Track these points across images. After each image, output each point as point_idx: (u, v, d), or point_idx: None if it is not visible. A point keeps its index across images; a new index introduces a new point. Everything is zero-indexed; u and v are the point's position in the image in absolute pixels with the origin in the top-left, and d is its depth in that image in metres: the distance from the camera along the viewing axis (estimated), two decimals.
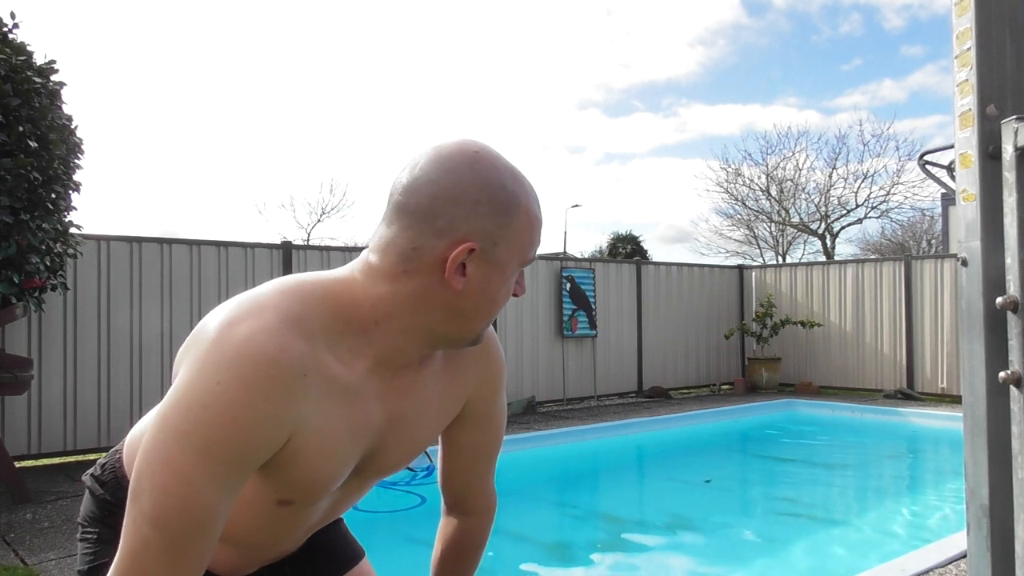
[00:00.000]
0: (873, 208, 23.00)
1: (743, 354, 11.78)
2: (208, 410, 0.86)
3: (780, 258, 25.40)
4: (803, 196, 23.85)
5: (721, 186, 24.20)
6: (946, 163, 2.09)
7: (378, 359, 1.00)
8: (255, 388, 0.87)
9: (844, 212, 23.60)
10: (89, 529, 1.19)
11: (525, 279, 1.07)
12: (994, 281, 1.19)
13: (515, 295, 1.05)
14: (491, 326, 1.19)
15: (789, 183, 23.64)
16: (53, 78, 4.70)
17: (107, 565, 0.92)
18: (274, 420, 0.89)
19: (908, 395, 9.79)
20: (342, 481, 1.06)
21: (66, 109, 4.91)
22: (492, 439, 1.26)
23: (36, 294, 4.81)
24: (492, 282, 0.98)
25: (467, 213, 0.94)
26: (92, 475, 1.21)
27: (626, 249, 23.81)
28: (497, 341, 1.23)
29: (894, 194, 22.41)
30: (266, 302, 0.94)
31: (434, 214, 0.94)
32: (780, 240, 25.71)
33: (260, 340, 0.88)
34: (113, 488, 1.16)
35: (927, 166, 2.32)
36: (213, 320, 0.92)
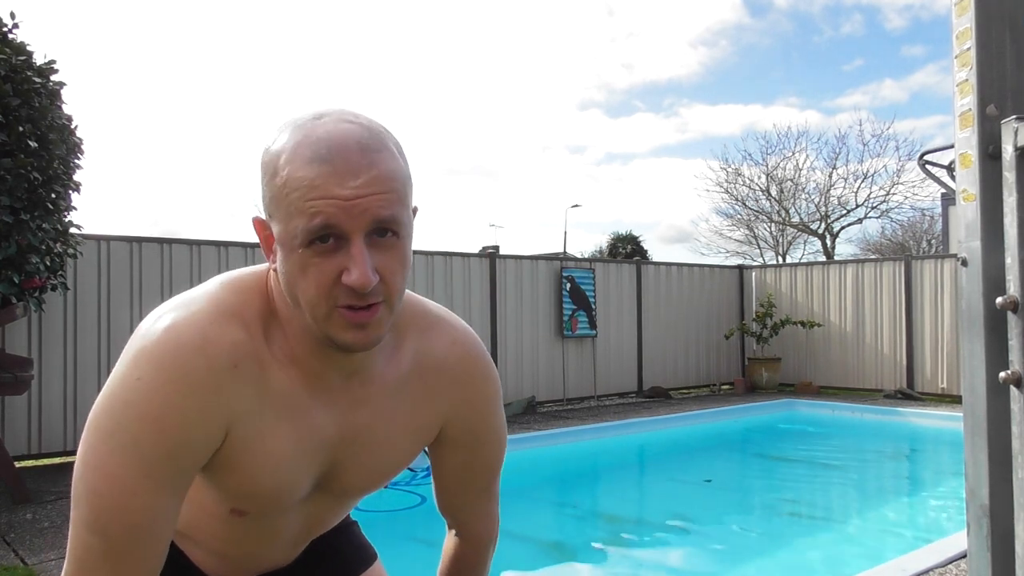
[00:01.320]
0: (873, 208, 23.01)
1: (743, 354, 11.78)
2: (131, 408, 0.83)
3: (780, 258, 25.39)
4: (803, 196, 23.87)
5: (721, 186, 24.21)
6: (946, 163, 2.09)
7: (301, 362, 0.92)
8: (176, 382, 0.83)
9: (844, 212, 23.60)
10: None
11: (363, 261, 0.80)
12: (994, 281, 1.19)
13: (343, 282, 0.81)
14: (474, 345, 1.08)
15: (789, 183, 23.65)
16: (53, 78, 4.70)
17: None
18: (203, 415, 0.85)
19: (908, 395, 9.79)
20: (300, 495, 1.00)
21: (66, 109, 4.90)
22: (482, 464, 1.13)
23: (36, 294, 4.80)
24: (281, 261, 0.84)
25: (258, 186, 0.88)
26: None
27: (626, 249, 23.80)
28: (482, 358, 1.08)
29: (894, 194, 22.42)
30: (197, 295, 0.91)
31: None
32: (780, 240, 25.70)
33: (182, 331, 0.85)
34: None
35: (927, 166, 2.32)
36: (146, 317, 0.89)
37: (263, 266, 0.97)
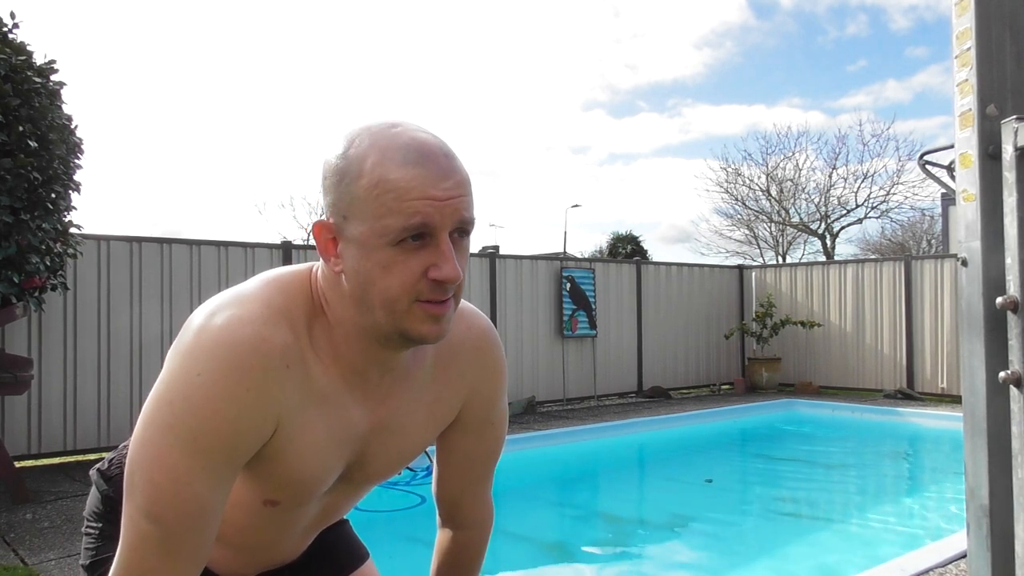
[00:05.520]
0: (873, 208, 22.97)
1: (743, 354, 11.78)
2: (190, 403, 0.86)
3: (780, 258, 25.37)
4: (803, 196, 23.83)
5: (721, 186, 24.19)
6: (946, 163, 2.09)
7: (343, 360, 0.97)
8: (235, 378, 0.86)
9: (844, 212, 23.56)
10: (92, 524, 1.19)
11: (452, 257, 0.87)
12: (994, 281, 1.19)
13: (433, 277, 0.87)
14: (488, 331, 1.13)
15: (789, 183, 23.62)
16: (53, 78, 4.70)
17: (108, 560, 0.93)
18: (257, 410, 0.89)
19: (908, 395, 9.79)
20: (328, 486, 1.05)
21: (66, 109, 4.90)
22: (489, 446, 1.20)
23: (36, 294, 4.80)
24: (358, 260, 0.88)
25: (324, 191, 0.91)
26: (99, 470, 1.21)
27: (626, 249, 23.79)
28: (496, 341, 1.15)
29: (894, 194, 22.38)
30: (249, 293, 0.94)
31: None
32: (780, 240, 25.67)
33: (239, 329, 0.88)
34: (118, 484, 1.15)
35: (927, 166, 2.31)
36: (197, 313, 0.92)
37: (303, 266, 1.01)
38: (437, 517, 1.29)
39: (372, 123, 0.91)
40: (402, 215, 0.84)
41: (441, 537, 1.29)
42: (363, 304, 0.90)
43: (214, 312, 0.90)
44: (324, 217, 0.92)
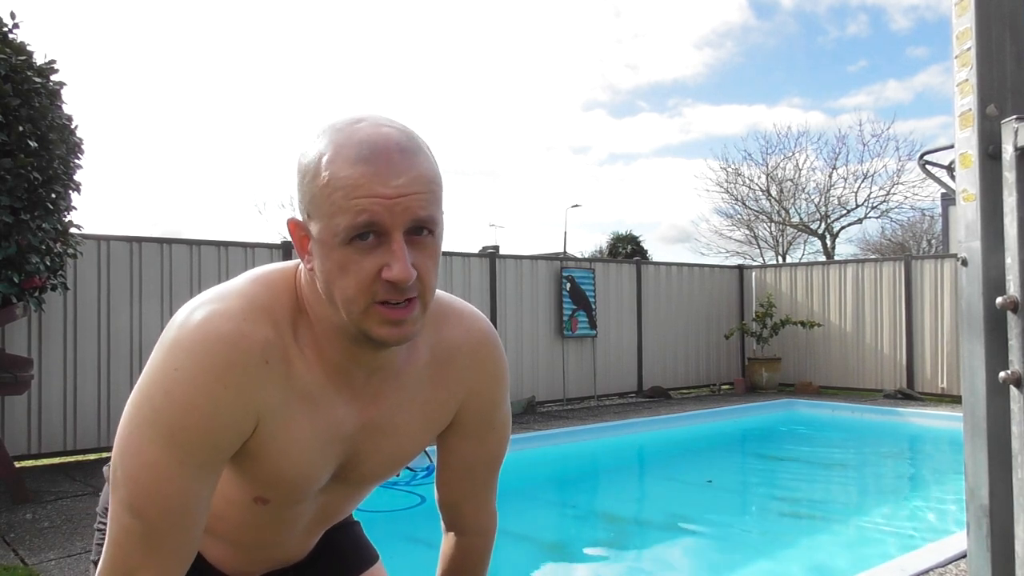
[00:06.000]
0: (873, 208, 22.97)
1: (743, 354, 11.78)
2: (169, 397, 0.86)
3: (780, 258, 25.36)
4: (803, 196, 23.83)
5: (721, 186, 24.19)
6: (946, 163, 2.09)
7: (327, 359, 0.96)
8: (212, 374, 0.86)
9: (844, 212, 23.56)
10: (103, 520, 1.19)
11: (403, 257, 0.84)
12: (994, 281, 1.19)
13: (384, 278, 0.84)
14: (487, 333, 1.12)
15: (789, 183, 23.62)
16: (53, 78, 4.70)
17: None
18: (236, 406, 0.88)
19: (908, 395, 9.79)
20: (319, 485, 1.04)
21: (66, 109, 4.90)
22: (491, 451, 1.17)
23: (36, 294, 4.80)
24: (320, 259, 0.87)
25: (296, 188, 0.90)
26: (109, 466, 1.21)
27: (626, 249, 23.78)
28: (495, 344, 1.12)
29: (894, 194, 22.38)
30: (233, 290, 0.94)
31: None
32: (780, 240, 25.67)
33: (218, 325, 0.88)
34: None
35: (927, 166, 2.31)
36: (182, 308, 0.92)
37: (291, 263, 1.00)
38: (441, 522, 1.27)
39: (338, 119, 0.89)
40: (349, 213, 0.83)
41: (445, 542, 1.28)
42: (332, 303, 0.89)
43: (196, 308, 0.90)
44: (295, 215, 0.92)
